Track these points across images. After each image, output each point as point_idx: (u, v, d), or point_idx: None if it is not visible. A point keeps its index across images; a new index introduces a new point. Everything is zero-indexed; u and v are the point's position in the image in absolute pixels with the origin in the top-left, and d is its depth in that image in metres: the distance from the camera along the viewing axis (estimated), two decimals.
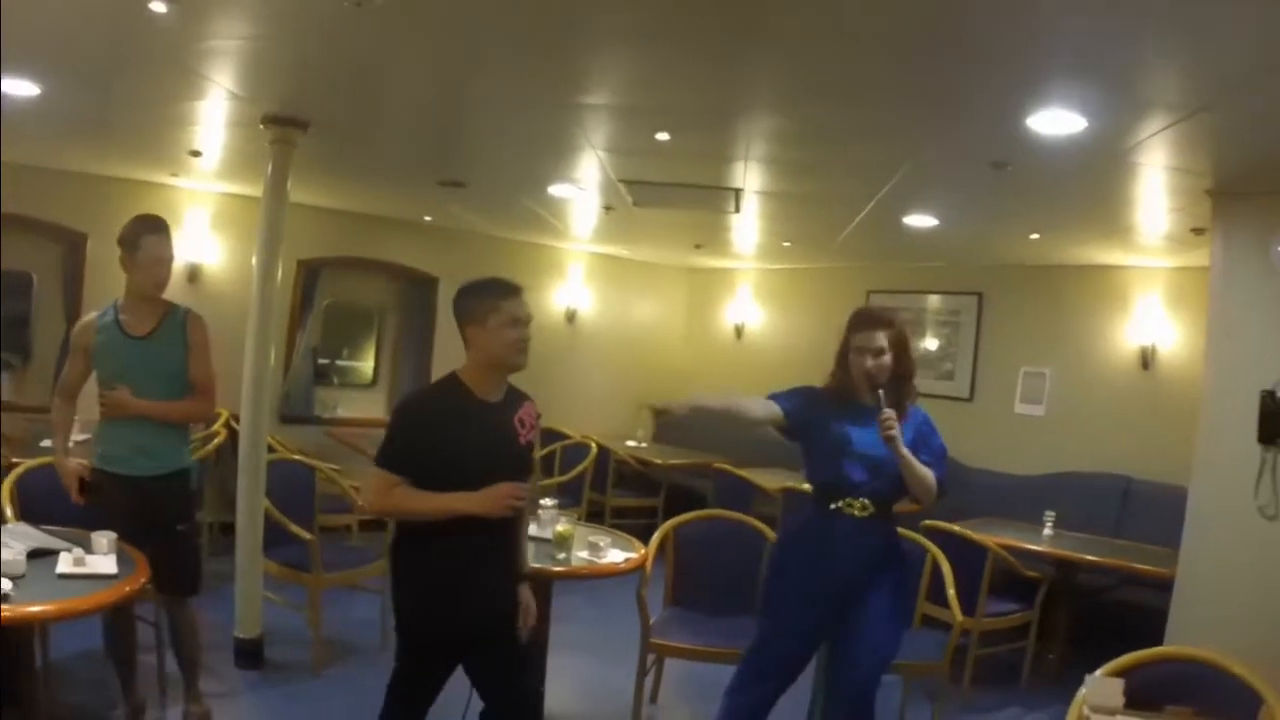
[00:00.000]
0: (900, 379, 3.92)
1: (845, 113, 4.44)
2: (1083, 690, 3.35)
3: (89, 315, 4.40)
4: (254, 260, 5.41)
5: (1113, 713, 3.23)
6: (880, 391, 3.83)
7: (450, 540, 3.26)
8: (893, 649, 3.96)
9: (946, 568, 5.32)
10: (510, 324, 3.31)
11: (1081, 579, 6.43)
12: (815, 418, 3.94)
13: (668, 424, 3.80)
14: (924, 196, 6.12)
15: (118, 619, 4.30)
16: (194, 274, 8.10)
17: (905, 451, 3.77)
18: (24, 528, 3.89)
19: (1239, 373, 4.78)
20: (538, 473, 3.69)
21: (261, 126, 5.25)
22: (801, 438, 4.03)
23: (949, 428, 4.04)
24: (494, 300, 3.33)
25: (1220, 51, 3.19)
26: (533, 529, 4.52)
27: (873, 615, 3.85)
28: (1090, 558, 6.13)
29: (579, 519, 5.97)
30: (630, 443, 9.98)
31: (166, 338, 4.27)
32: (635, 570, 4.84)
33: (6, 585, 3.21)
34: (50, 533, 3.83)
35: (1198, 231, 5.79)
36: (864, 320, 4.00)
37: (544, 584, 4.36)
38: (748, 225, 7.88)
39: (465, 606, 3.31)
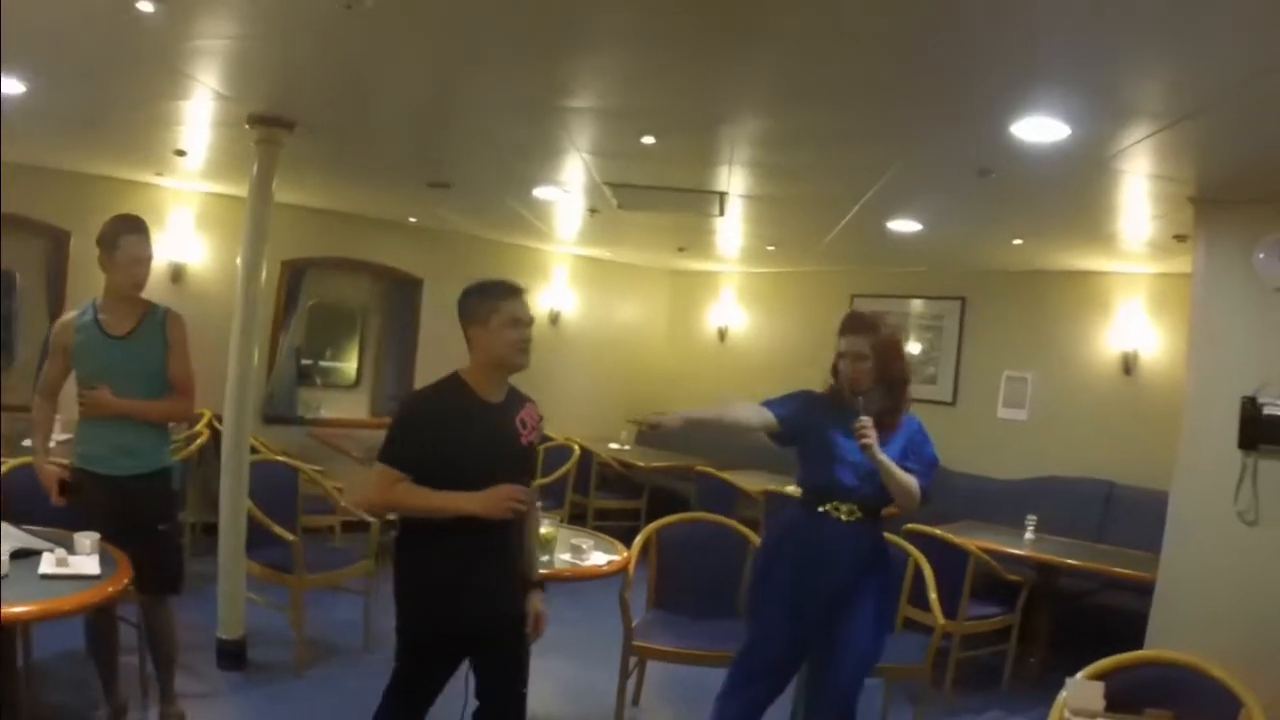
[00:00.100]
0: (890, 384, 3.93)
1: (830, 118, 4.45)
2: (1063, 693, 3.36)
3: (68, 314, 4.38)
4: (239, 260, 5.40)
5: (1093, 715, 3.25)
6: (860, 397, 3.84)
7: (450, 540, 3.27)
8: (876, 653, 3.98)
9: (928, 571, 5.33)
10: (512, 324, 3.33)
11: (1063, 583, 6.46)
12: (809, 422, 3.95)
13: (660, 436, 3.80)
14: (908, 201, 6.14)
15: (100, 619, 4.29)
16: (178, 274, 8.07)
17: (883, 458, 3.78)
18: (6, 528, 3.86)
19: (1220, 379, 4.83)
20: (538, 474, 3.69)
21: (247, 126, 5.24)
22: (795, 442, 4.04)
23: (932, 432, 4.04)
24: (496, 300, 3.35)
25: (1203, 61, 3.22)
26: None
27: (857, 619, 3.86)
28: (1071, 562, 6.16)
29: (561, 521, 5.97)
30: (613, 445, 9.97)
31: (146, 337, 4.25)
32: (618, 573, 4.84)
33: None
34: (32, 533, 3.81)
35: (1180, 238, 5.83)
36: (846, 325, 4.02)
37: None
38: (732, 228, 7.90)
39: (464, 606, 3.32)
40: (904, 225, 6.74)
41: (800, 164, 5.45)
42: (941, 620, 5.14)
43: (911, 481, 3.84)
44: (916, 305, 9.13)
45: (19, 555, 3.59)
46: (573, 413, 10.20)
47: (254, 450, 5.81)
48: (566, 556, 4.69)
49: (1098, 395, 7.76)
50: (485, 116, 4.99)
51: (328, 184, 7.61)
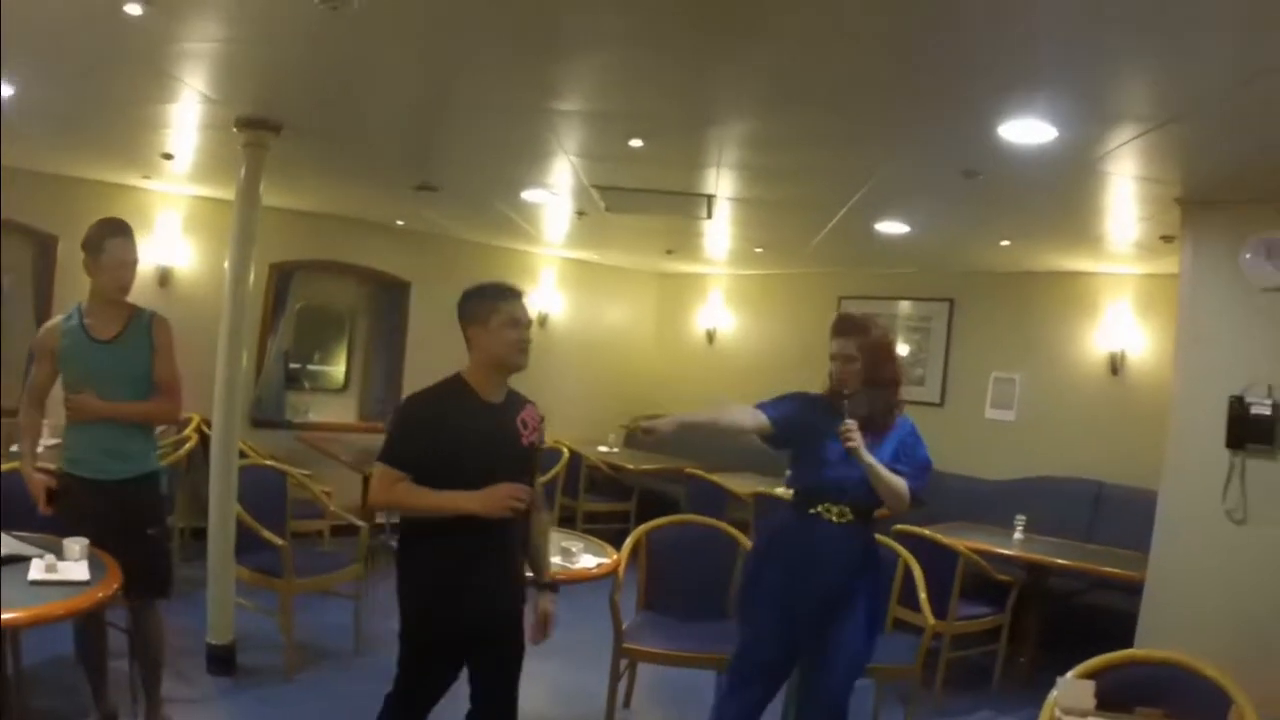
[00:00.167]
0: (880, 386, 3.93)
1: (818, 121, 4.47)
2: (1054, 692, 3.37)
3: (54, 320, 4.36)
4: (226, 264, 5.37)
5: (1084, 714, 3.25)
6: (845, 400, 3.85)
7: (449, 540, 3.29)
8: (867, 654, 3.98)
9: (918, 571, 5.34)
10: (511, 324, 3.37)
11: (1052, 583, 6.48)
12: (802, 424, 3.94)
13: (654, 443, 3.81)
14: (896, 203, 6.16)
15: (89, 625, 4.26)
16: (165, 277, 8.05)
17: (869, 460, 3.78)
18: None
19: (1208, 379, 4.86)
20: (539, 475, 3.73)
21: (234, 129, 5.22)
22: (788, 445, 4.05)
23: (920, 433, 4.05)
24: (495, 301, 3.40)
25: (1189, 64, 3.24)
26: None
27: (849, 621, 3.86)
28: (1061, 561, 6.18)
29: (551, 524, 5.96)
30: (602, 448, 9.98)
31: (132, 341, 4.23)
32: (608, 575, 4.85)
33: None
34: (22, 539, 3.80)
35: (1166, 239, 5.85)
36: (836, 327, 4.02)
37: None
38: (720, 231, 7.90)
39: (463, 606, 3.34)
40: (892, 227, 6.76)
41: (788, 167, 5.46)
42: (932, 620, 5.15)
43: (900, 483, 3.84)
44: (904, 307, 9.14)
45: (8, 561, 3.57)
46: (561, 415, 10.17)
47: (242, 455, 5.80)
48: (557, 559, 4.67)
49: (1085, 396, 7.78)
50: (473, 119, 4.99)
51: (315, 187, 7.60)
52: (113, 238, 4.18)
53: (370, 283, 9.80)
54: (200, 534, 5.79)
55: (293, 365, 9.48)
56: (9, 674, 4.25)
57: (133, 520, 4.19)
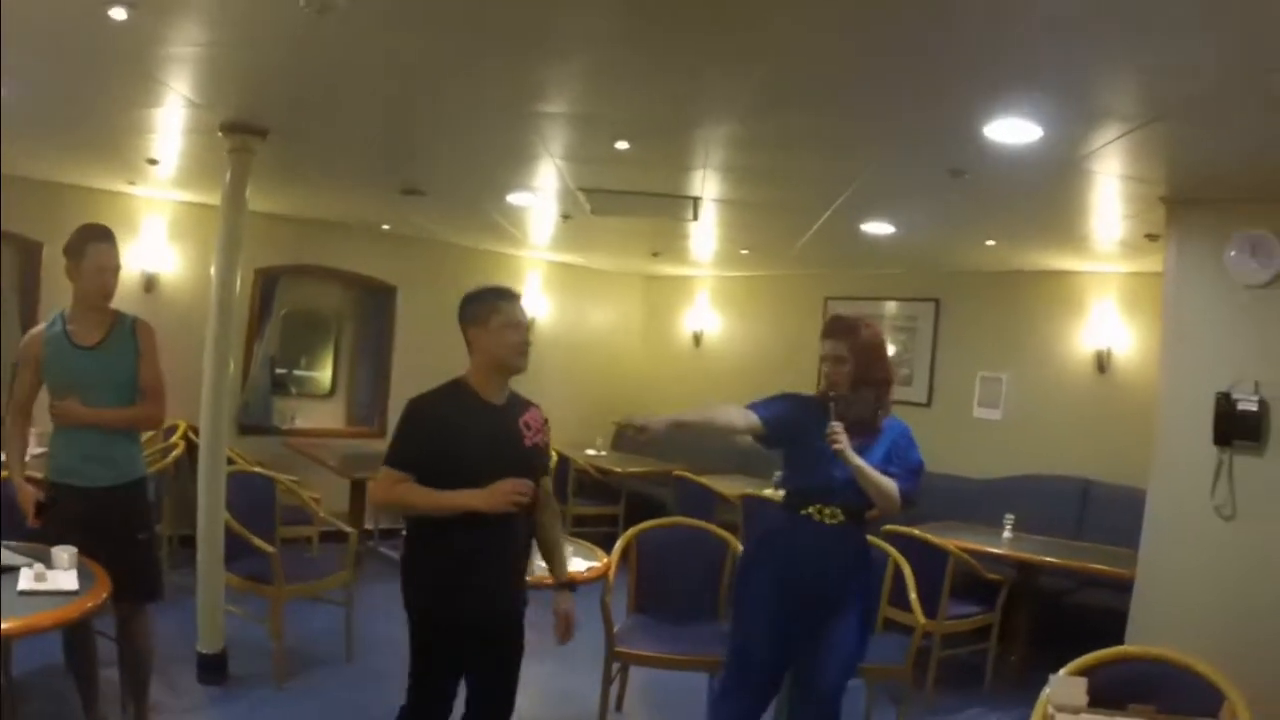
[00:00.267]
0: (871, 387, 3.94)
1: (804, 122, 4.47)
2: (1047, 690, 3.38)
3: (37, 327, 4.34)
4: (212, 269, 5.35)
5: (1077, 711, 3.26)
6: (831, 402, 3.86)
7: (448, 539, 3.33)
8: (859, 655, 3.98)
9: (908, 571, 5.35)
10: (511, 326, 3.43)
11: (1042, 581, 6.49)
12: (795, 425, 3.95)
13: (646, 441, 3.82)
14: (881, 204, 6.17)
15: (78, 634, 4.24)
16: (151, 283, 8.01)
17: (858, 462, 3.79)
18: None
19: (1194, 376, 4.88)
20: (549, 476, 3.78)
21: (220, 134, 5.20)
22: (780, 445, 4.05)
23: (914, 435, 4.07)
24: (494, 302, 3.46)
25: (1173, 64, 3.25)
26: None
27: (841, 622, 3.87)
28: (1050, 560, 6.20)
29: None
30: (590, 451, 9.97)
31: (116, 347, 4.21)
32: (598, 579, 4.85)
33: None
34: (10, 548, 3.78)
35: (1151, 237, 5.87)
36: (826, 328, 4.04)
37: None
38: (705, 233, 7.91)
39: (461, 605, 3.38)
40: (877, 228, 6.77)
41: (773, 168, 5.47)
42: (922, 620, 5.15)
43: (889, 484, 3.84)
44: (890, 307, 9.15)
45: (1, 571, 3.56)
46: (548, 419, 10.18)
47: (230, 461, 5.78)
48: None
49: (1072, 394, 7.80)
50: (458, 122, 4.98)
51: (301, 191, 7.57)
52: (94, 243, 4.16)
53: (356, 287, 9.77)
54: (188, 541, 5.76)
55: (279, 371, 9.43)
56: (0, 683, 4.23)
57: (121, 526, 4.18)
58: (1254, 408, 4.65)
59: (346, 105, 4.84)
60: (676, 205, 6.50)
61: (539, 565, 3.79)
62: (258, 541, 5.44)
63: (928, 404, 8.73)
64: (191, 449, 6.58)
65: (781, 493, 4.33)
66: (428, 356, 8.72)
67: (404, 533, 3.53)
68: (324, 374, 9.93)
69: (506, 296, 3.49)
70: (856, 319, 4.07)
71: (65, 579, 3.58)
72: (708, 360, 11.01)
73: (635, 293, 11.80)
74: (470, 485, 3.28)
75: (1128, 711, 3.26)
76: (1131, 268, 7.35)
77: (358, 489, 7.85)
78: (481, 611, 3.41)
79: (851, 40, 3.39)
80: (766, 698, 4.03)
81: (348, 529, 6.20)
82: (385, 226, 9.10)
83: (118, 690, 4.52)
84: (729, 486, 7.84)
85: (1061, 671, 3.51)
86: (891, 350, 8.82)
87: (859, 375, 3.91)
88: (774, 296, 10.34)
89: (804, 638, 3.87)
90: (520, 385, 3.63)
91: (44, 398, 4.23)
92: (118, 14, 3.44)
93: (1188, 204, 4.98)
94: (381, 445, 8.64)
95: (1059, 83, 3.58)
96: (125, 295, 4.30)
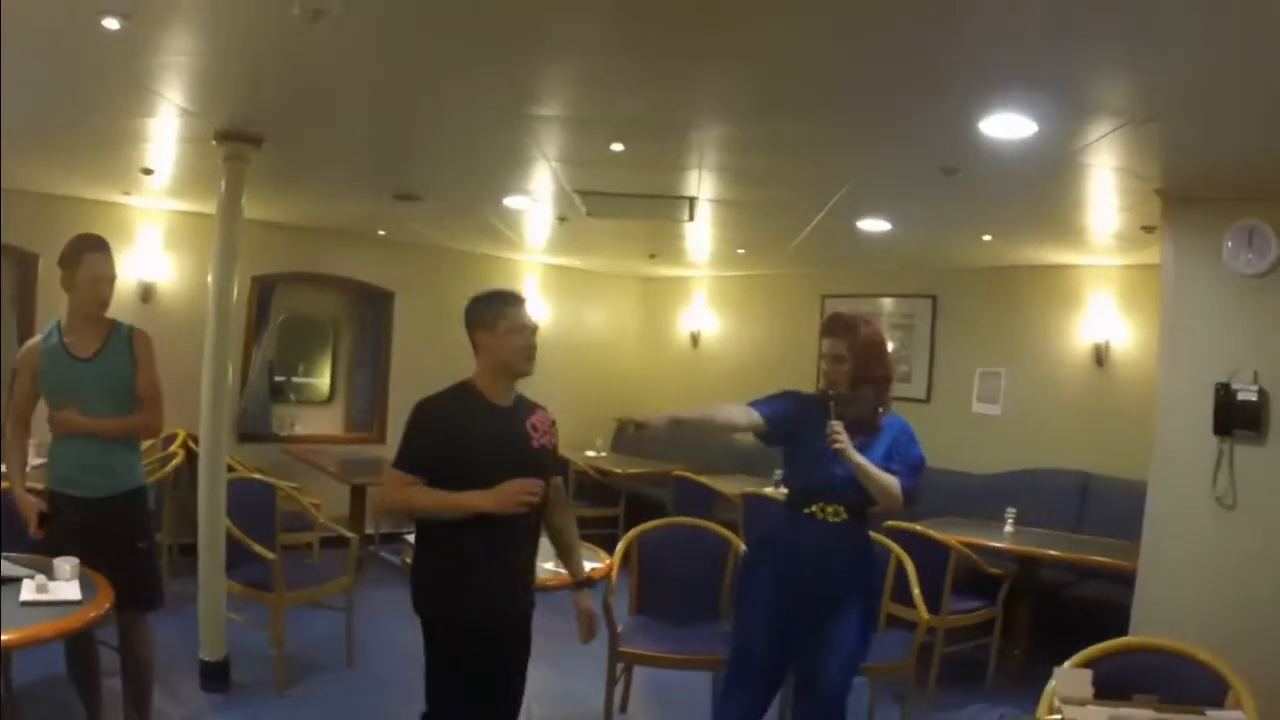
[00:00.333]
0: (869, 385, 3.94)
1: (799, 121, 4.47)
2: (1052, 682, 3.38)
3: (33, 339, 4.34)
4: (209, 278, 5.35)
5: (1083, 703, 3.26)
6: (831, 401, 3.86)
7: (450, 540, 3.36)
8: (863, 653, 3.97)
9: (911, 567, 5.35)
10: (518, 330, 3.46)
11: (1043, 575, 6.49)
12: (796, 423, 3.95)
13: (646, 438, 3.82)
14: (877, 202, 6.17)
15: (80, 644, 4.24)
16: (147, 293, 8.00)
17: (859, 460, 3.79)
18: None
19: (1192, 367, 4.88)
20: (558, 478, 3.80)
21: (214, 143, 5.20)
22: (781, 442, 4.05)
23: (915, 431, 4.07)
24: (502, 307, 3.48)
25: (1167, 58, 3.25)
26: None
27: (844, 621, 3.86)
28: (1052, 553, 6.18)
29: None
30: (589, 453, 9.97)
31: (113, 357, 4.22)
32: (601, 580, 4.84)
33: None
34: (11, 559, 3.78)
35: (1148, 229, 5.87)
36: (826, 326, 4.06)
37: None
38: (701, 233, 7.91)
39: (461, 605, 3.39)
40: (873, 225, 6.77)
41: (769, 168, 5.47)
42: (925, 616, 5.15)
43: (891, 481, 3.84)
44: (887, 304, 9.15)
45: (2, 582, 3.56)
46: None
47: (230, 468, 5.78)
48: (550, 565, 4.67)
49: (1071, 387, 7.81)
50: (453, 127, 4.98)
51: (296, 198, 7.57)
52: (88, 253, 4.16)
53: (353, 293, 9.77)
54: (188, 550, 5.76)
55: (277, 378, 9.43)
56: (1, 694, 4.22)
57: (121, 535, 4.19)
58: (1254, 398, 4.66)
59: (340, 111, 4.84)
60: (672, 206, 6.50)
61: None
62: (258, 548, 5.43)
63: (927, 400, 8.72)
64: (191, 457, 6.57)
65: (783, 491, 4.33)
66: (426, 361, 8.74)
67: (405, 536, 3.54)
68: (322, 380, 9.93)
69: (513, 301, 3.51)
70: (856, 317, 4.07)
71: (67, 589, 3.59)
72: (705, 360, 11.02)
73: (632, 294, 11.81)
74: (479, 487, 3.29)
75: (1133, 702, 3.26)
76: (1128, 261, 7.35)
77: (357, 494, 7.85)
78: (490, 613, 3.42)
79: (845, 43, 3.40)
80: (768, 696, 4.03)
81: (348, 534, 6.19)
82: (381, 232, 9.09)
83: (120, 700, 4.52)
84: (729, 486, 7.85)
85: (1066, 664, 3.52)
86: (890, 347, 8.84)
87: (859, 373, 3.92)
88: (771, 296, 10.34)
89: (805, 636, 3.86)
90: (519, 388, 3.64)
91: (42, 408, 4.23)
92: (110, 23, 3.44)
93: (1183, 196, 4.98)
94: (381, 450, 8.74)
95: (1054, 79, 3.57)
96: (122, 305, 4.30)
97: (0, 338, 7.29)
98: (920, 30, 3.18)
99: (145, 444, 4.88)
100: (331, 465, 8.06)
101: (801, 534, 3.89)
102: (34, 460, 4.56)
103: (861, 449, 3.81)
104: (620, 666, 4.99)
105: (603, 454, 10.07)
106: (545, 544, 4.90)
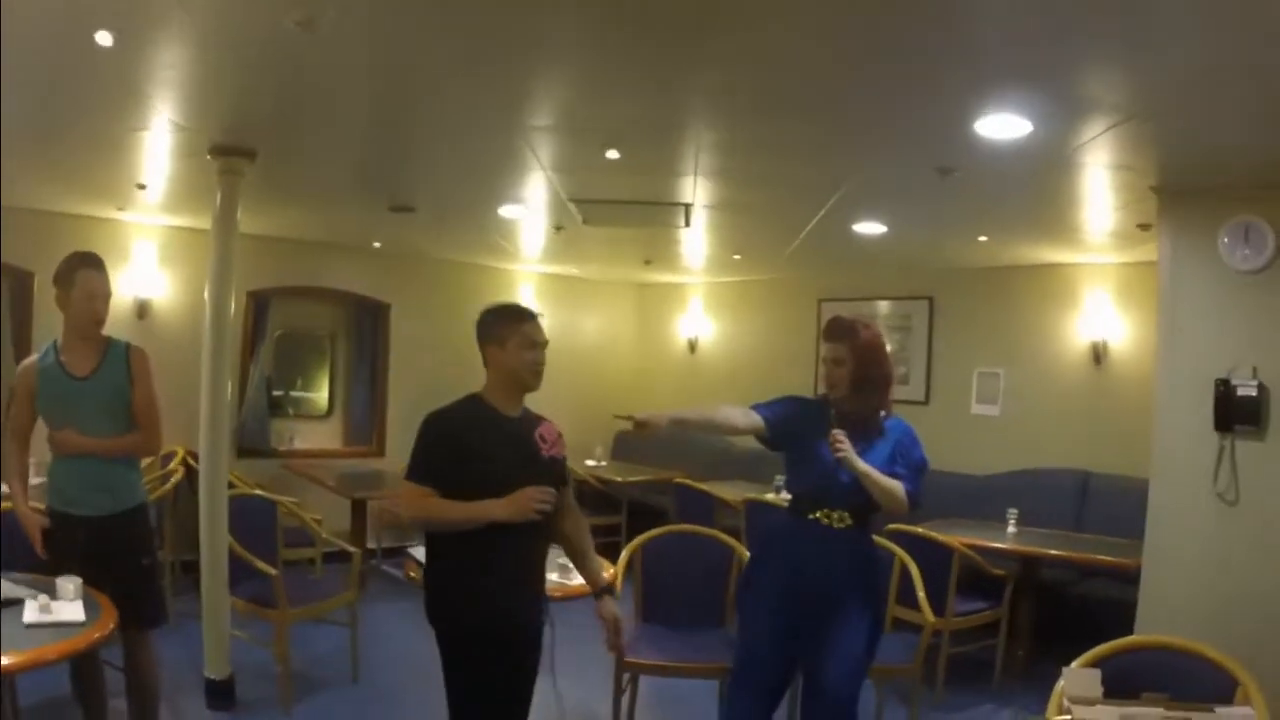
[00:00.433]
0: (870, 388, 3.93)
1: (793, 125, 4.46)
2: (1061, 682, 3.37)
3: (29, 358, 4.33)
4: (206, 294, 5.34)
5: (1092, 703, 3.25)
6: (830, 408, 3.86)
7: (458, 552, 3.36)
8: (869, 658, 3.95)
9: (915, 570, 5.35)
10: (529, 346, 3.49)
11: (1045, 574, 6.49)
12: (798, 427, 3.95)
13: (648, 439, 3.83)
14: (873, 204, 6.17)
15: (85, 664, 4.22)
16: (143, 310, 7.99)
17: (863, 467, 3.79)
18: None
19: (1191, 364, 4.89)
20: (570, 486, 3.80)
21: (209, 157, 5.19)
22: (783, 446, 4.05)
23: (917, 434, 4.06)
24: (514, 323, 3.51)
25: (1163, 56, 3.25)
26: None
27: (849, 625, 3.85)
28: (1054, 553, 6.18)
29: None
30: (590, 461, 9.94)
31: (110, 375, 4.20)
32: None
33: None
34: (13, 580, 3.76)
35: (1144, 227, 5.87)
36: (825, 331, 4.05)
37: None
38: (697, 239, 7.91)
39: (461, 615, 3.39)
40: (869, 228, 6.76)
41: (764, 172, 5.46)
42: (931, 618, 5.14)
43: (896, 486, 3.85)
44: (884, 306, 9.14)
45: (4, 604, 3.54)
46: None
47: (230, 484, 5.76)
48: (554, 576, 4.66)
49: (1069, 386, 7.80)
50: (447, 137, 4.97)
51: (290, 212, 7.56)
52: (83, 270, 4.15)
53: (349, 306, 9.75)
54: (190, 567, 5.75)
55: (275, 392, 9.42)
56: (6, 716, 4.20)
57: (123, 553, 4.18)
58: (1253, 393, 4.66)
59: (333, 123, 4.83)
60: (668, 212, 6.49)
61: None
62: (261, 564, 5.42)
63: (925, 402, 8.71)
64: (190, 474, 6.55)
65: (785, 497, 4.32)
66: (423, 373, 8.75)
67: (408, 550, 3.52)
68: (320, 394, 9.91)
69: (525, 317, 3.53)
70: (855, 320, 4.07)
71: (71, 610, 3.57)
72: (703, 366, 11.01)
73: (629, 301, 11.80)
74: (492, 496, 3.29)
75: (1142, 700, 3.25)
76: (1124, 258, 7.35)
77: (358, 508, 7.84)
78: (505, 620, 3.40)
79: (840, 46, 3.39)
80: (773, 702, 4.01)
81: (350, 549, 6.18)
82: (376, 244, 9.08)
83: (126, 719, 4.51)
84: (730, 492, 7.83)
85: (1074, 663, 3.51)
86: (887, 350, 8.85)
87: (859, 376, 3.91)
88: (767, 300, 10.34)
89: (810, 641, 3.86)
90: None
91: (42, 427, 4.21)
92: (103, 39, 3.43)
93: (1179, 193, 4.99)
94: (380, 464, 8.71)
95: (1050, 78, 3.57)
96: (118, 322, 4.29)
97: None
98: (916, 31, 3.18)
99: (144, 461, 4.85)
100: (331, 479, 8.05)
101: (806, 540, 3.89)
102: (33, 479, 4.54)
103: (864, 453, 3.81)
104: (626, 677, 4.97)
105: (603, 462, 10.05)
106: (549, 555, 4.91)
